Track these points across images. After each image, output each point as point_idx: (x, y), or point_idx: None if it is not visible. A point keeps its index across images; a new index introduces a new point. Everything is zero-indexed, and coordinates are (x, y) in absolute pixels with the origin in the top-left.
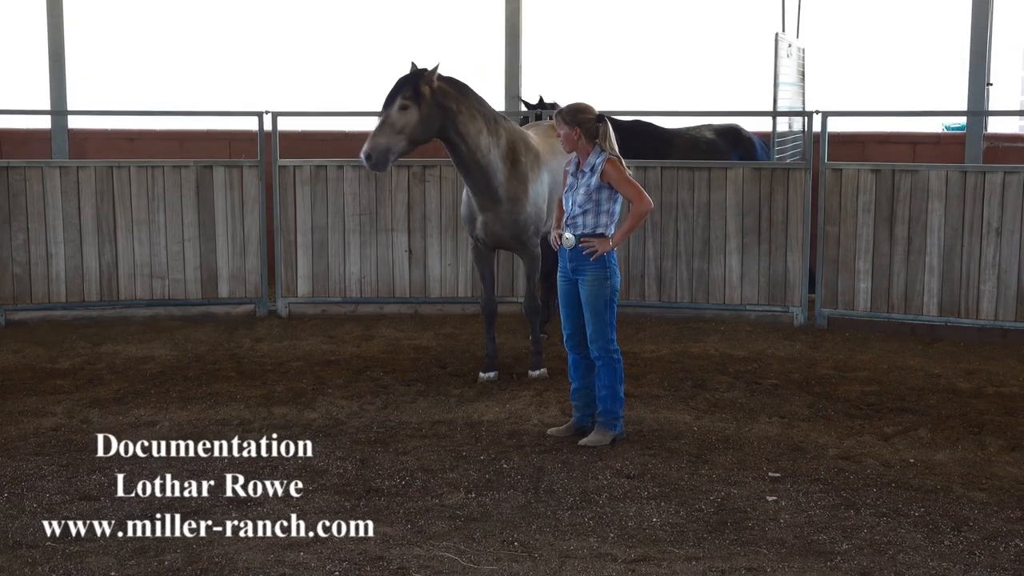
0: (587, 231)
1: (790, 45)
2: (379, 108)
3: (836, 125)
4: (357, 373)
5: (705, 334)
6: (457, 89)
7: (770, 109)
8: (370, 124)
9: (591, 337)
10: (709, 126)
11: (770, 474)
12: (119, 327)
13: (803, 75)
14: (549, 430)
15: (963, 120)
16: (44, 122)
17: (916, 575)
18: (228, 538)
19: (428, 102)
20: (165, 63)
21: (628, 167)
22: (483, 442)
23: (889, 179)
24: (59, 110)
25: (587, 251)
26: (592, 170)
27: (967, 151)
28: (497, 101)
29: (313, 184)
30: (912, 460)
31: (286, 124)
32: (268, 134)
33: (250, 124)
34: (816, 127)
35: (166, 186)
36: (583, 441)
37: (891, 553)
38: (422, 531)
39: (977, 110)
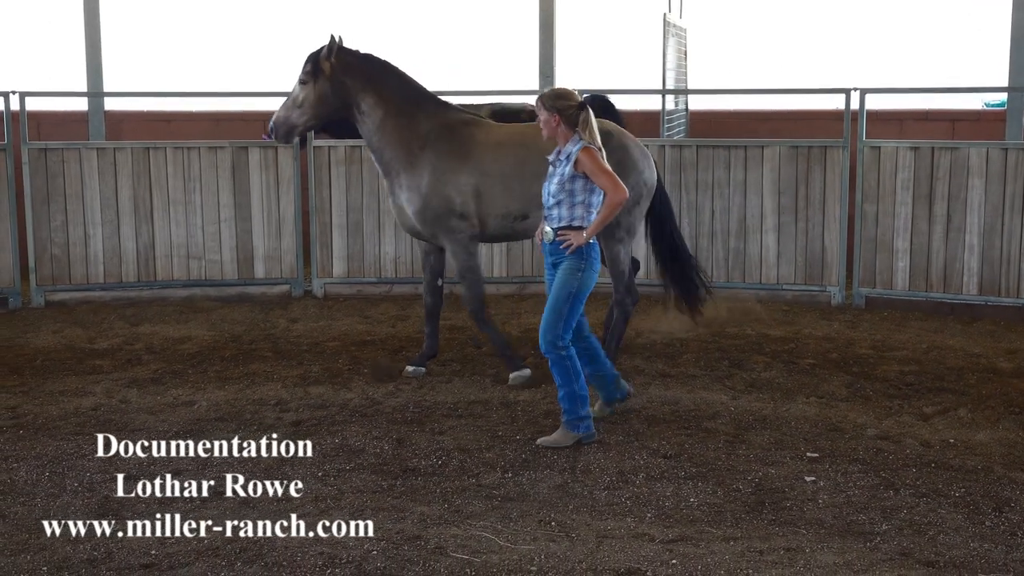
0: (563, 223)
1: (674, 25)
2: None
3: (874, 102)
4: (393, 353)
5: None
6: (367, 66)
7: (659, 87)
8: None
9: (541, 328)
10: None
11: (808, 454)
12: (156, 308)
13: (685, 55)
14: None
15: (1004, 96)
16: (81, 104)
17: (957, 556)
18: (266, 517)
19: (327, 77)
20: (200, 44)
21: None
22: (519, 422)
23: (928, 157)
24: (96, 92)
25: (563, 245)
26: (567, 159)
27: (1008, 128)
28: (531, 82)
29: (348, 164)
30: (952, 440)
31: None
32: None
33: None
34: (854, 104)
35: (202, 167)
36: (541, 440)
37: (931, 534)
38: (459, 511)
39: (1018, 86)
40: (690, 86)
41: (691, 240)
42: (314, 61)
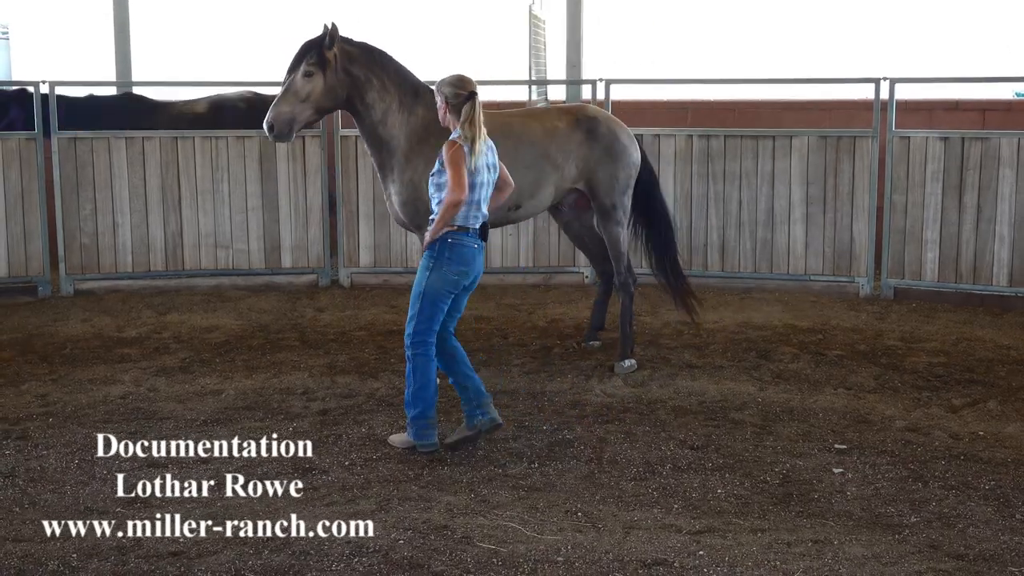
0: (433, 216)
1: (535, 16)
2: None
3: (904, 92)
4: None
5: (768, 304)
6: (369, 56)
7: (526, 78)
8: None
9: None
10: (243, 94)
11: (836, 446)
12: (184, 296)
13: (544, 45)
14: (446, 440)
15: None
16: (110, 94)
17: (986, 549)
18: (293, 506)
19: (334, 68)
20: (228, 33)
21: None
22: (546, 412)
23: (958, 147)
24: (124, 81)
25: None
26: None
27: None
28: (559, 70)
29: None
30: (982, 432)
31: (620, 92)
32: (601, 102)
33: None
34: (884, 94)
35: (230, 157)
36: (391, 438)
37: (960, 527)
38: (486, 500)
39: None
40: (711, 75)
41: (719, 231)
42: (319, 52)
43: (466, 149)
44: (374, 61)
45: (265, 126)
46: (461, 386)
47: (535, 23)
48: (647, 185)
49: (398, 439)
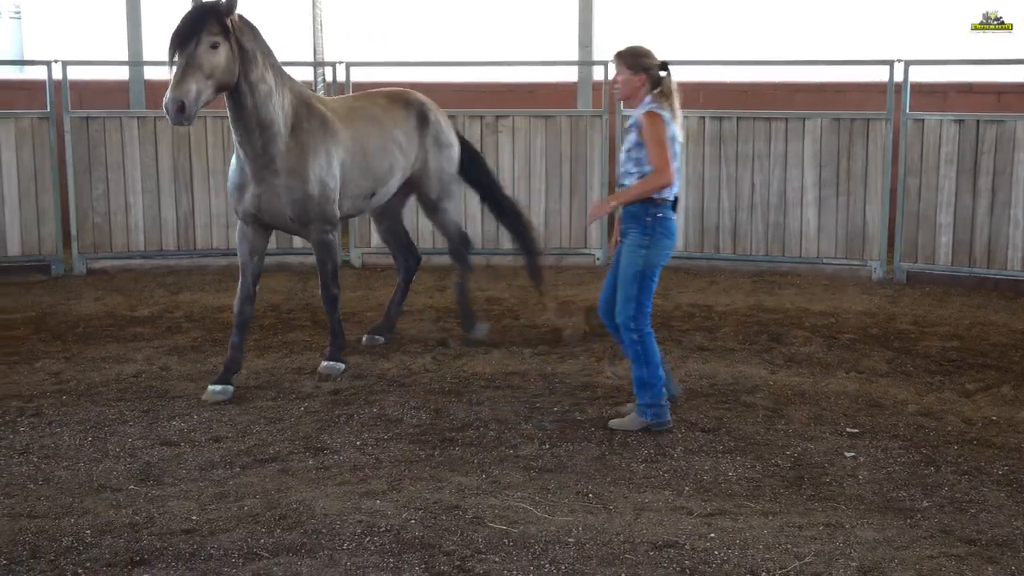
0: (624, 183)
1: None
2: (169, 45)
3: (918, 74)
4: (431, 323)
5: (780, 288)
6: (251, 28)
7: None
8: (441, 74)
9: (617, 307)
10: None
11: (848, 430)
12: (196, 276)
13: (321, 24)
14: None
15: None
16: (122, 73)
17: (999, 534)
18: (306, 485)
19: (234, 39)
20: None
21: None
22: (557, 393)
23: (973, 130)
24: (136, 60)
25: (588, 217)
26: (633, 124)
27: None
28: (570, 51)
29: None
30: (995, 417)
31: (360, 75)
32: (342, 85)
33: (326, 75)
34: (898, 76)
35: None
36: (612, 422)
37: (973, 512)
38: (497, 481)
39: None
40: (723, 57)
41: (731, 213)
42: (219, 19)
43: (667, 117)
44: (256, 34)
45: (172, 107)
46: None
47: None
48: (475, 167)
49: (624, 423)
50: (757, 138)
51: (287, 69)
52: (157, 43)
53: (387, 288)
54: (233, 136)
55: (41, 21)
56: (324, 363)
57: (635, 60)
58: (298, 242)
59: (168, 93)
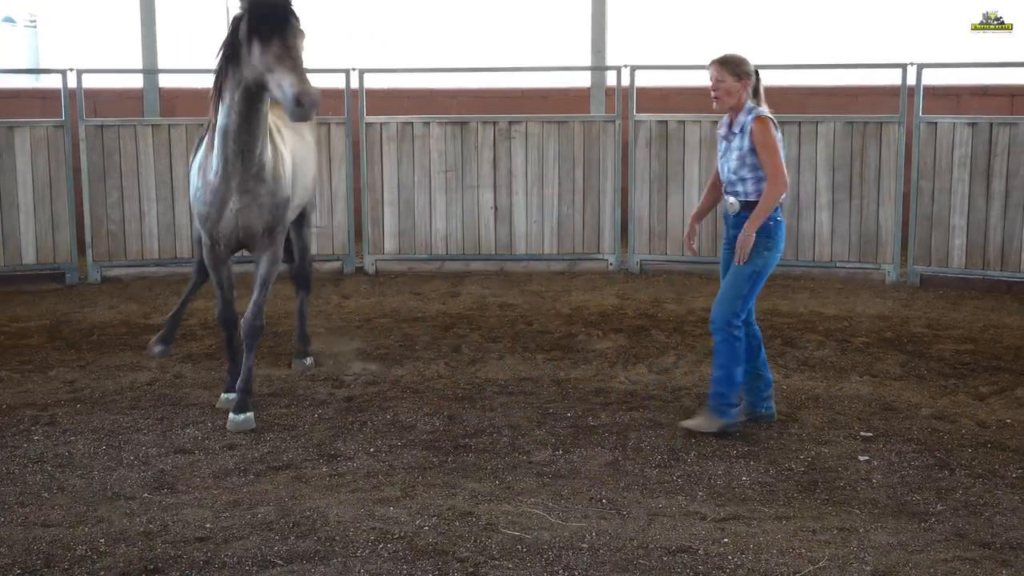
0: (752, 197)
1: None
2: (277, 35)
3: (931, 77)
4: (444, 330)
5: (794, 291)
6: None
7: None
8: (454, 80)
9: (717, 301)
10: None
11: (862, 433)
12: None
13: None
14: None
15: None
16: (136, 81)
17: (1013, 537)
18: (319, 492)
19: None
20: None
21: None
22: (570, 399)
23: (986, 132)
24: (150, 69)
25: (737, 259)
26: (742, 131)
27: None
28: (584, 57)
29: (399, 141)
30: (1009, 420)
31: (372, 81)
32: (355, 91)
33: (337, 81)
34: (911, 79)
35: None
36: (686, 423)
37: (987, 515)
38: (510, 487)
39: None
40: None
41: None
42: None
43: (775, 121)
44: None
45: (317, 104)
46: (757, 374)
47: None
48: None
49: (694, 423)
50: None
51: None
52: (171, 51)
53: (400, 295)
54: (226, 148)
55: (56, 30)
56: (234, 416)
57: (739, 68)
58: (311, 249)
59: (307, 86)
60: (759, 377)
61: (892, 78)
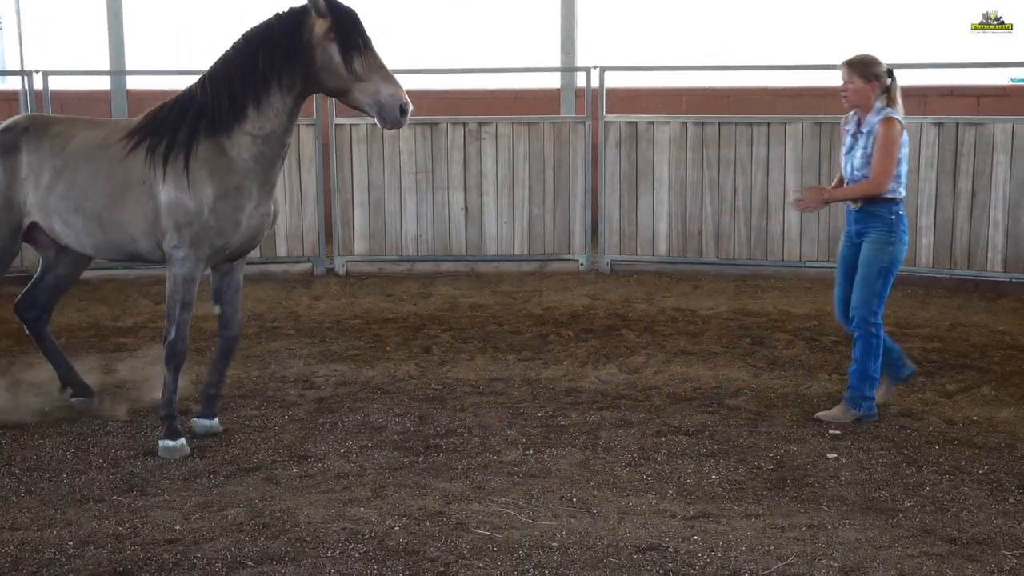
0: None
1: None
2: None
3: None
4: (415, 331)
5: (763, 291)
6: None
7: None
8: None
9: (853, 303)
10: None
11: (830, 431)
12: None
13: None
14: (816, 414)
15: None
16: (104, 83)
17: (979, 533)
18: (290, 493)
19: None
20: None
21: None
22: (541, 399)
23: (952, 133)
24: (118, 71)
25: (799, 204)
26: (870, 131)
27: None
28: (553, 58)
29: (369, 142)
30: (975, 417)
31: None
32: None
33: None
34: None
35: None
36: (821, 414)
37: (954, 511)
38: (481, 487)
39: None
40: (706, 62)
41: (713, 218)
42: None
43: (902, 123)
44: None
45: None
46: (886, 347)
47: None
48: None
49: (830, 415)
50: (739, 142)
51: None
52: (139, 53)
53: (371, 296)
54: (266, 153)
55: (19, 31)
56: (162, 443)
57: (868, 69)
58: (281, 250)
59: (404, 95)
60: (889, 350)
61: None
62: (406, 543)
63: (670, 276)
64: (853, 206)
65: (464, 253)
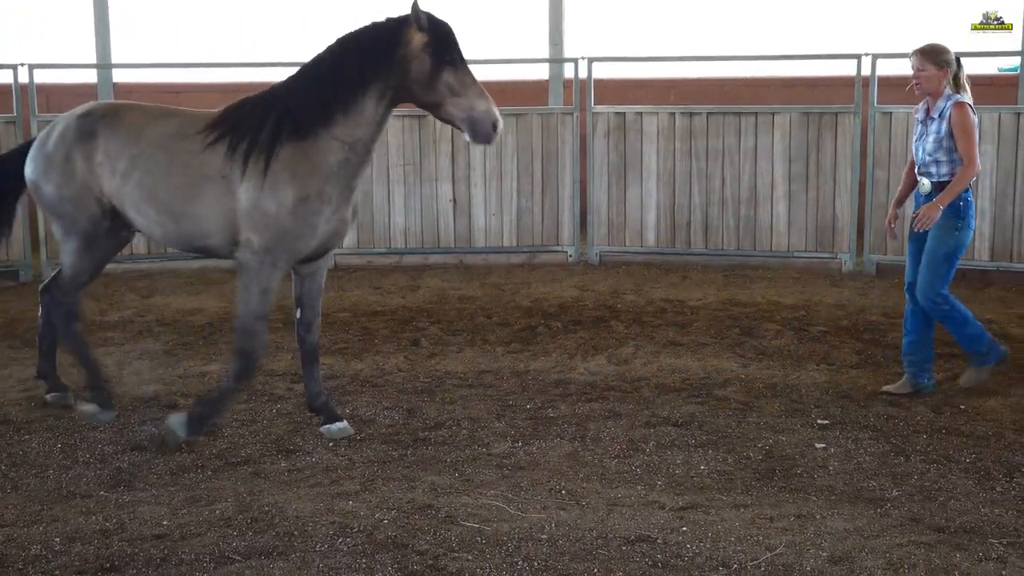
0: (944, 179)
1: None
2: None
3: (885, 68)
4: (403, 323)
5: (752, 281)
6: None
7: None
8: None
9: (920, 286)
10: None
11: (818, 421)
12: (167, 280)
13: None
14: (883, 388)
15: (1017, 61)
16: (90, 76)
17: (967, 522)
18: (278, 487)
19: None
20: (210, 13)
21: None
22: (529, 391)
23: None
24: (104, 64)
25: (917, 225)
26: (941, 116)
27: (1020, 92)
28: (541, 49)
29: None
30: (963, 407)
31: None
32: None
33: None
34: (866, 70)
35: None
36: (962, 381)
37: (942, 500)
38: (469, 480)
39: None
40: (694, 53)
41: (702, 208)
42: None
43: (974, 108)
44: None
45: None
46: (923, 344)
47: None
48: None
49: (970, 379)
50: (727, 133)
51: (251, 70)
52: (125, 45)
53: (360, 289)
54: (354, 159)
55: (7, 23)
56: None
57: (940, 57)
58: None
59: (496, 111)
60: (924, 348)
61: (847, 69)
62: (395, 536)
63: (659, 267)
64: (923, 190)
65: (452, 245)
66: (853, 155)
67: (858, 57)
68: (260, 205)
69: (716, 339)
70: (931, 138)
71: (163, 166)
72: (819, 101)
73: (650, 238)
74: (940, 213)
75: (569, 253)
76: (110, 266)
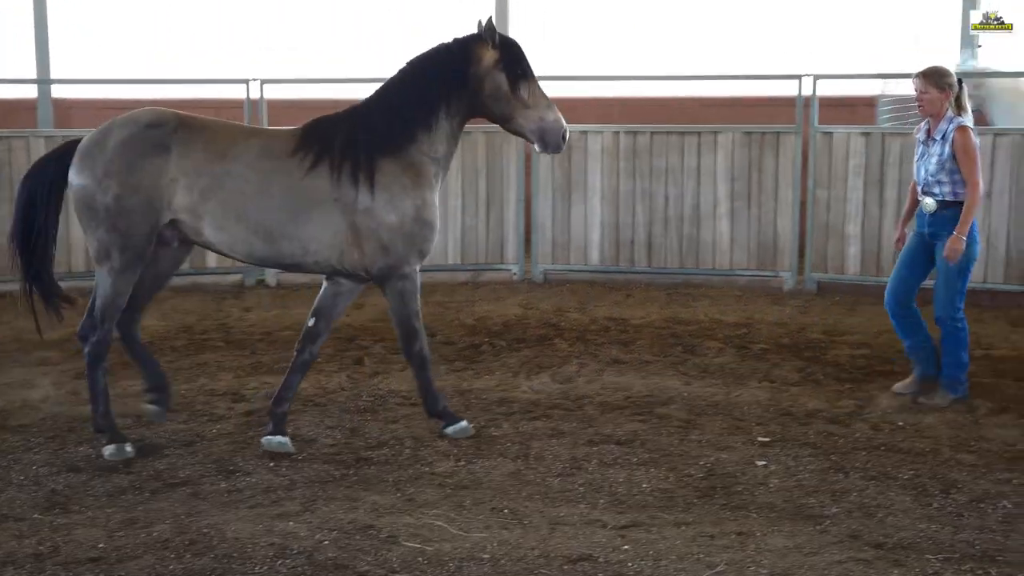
0: (948, 198)
1: None
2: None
3: (826, 88)
4: (346, 342)
5: (694, 299)
6: None
7: None
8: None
9: (938, 301)
10: None
11: (759, 439)
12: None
13: None
14: (895, 386)
15: None
16: (30, 91)
17: (905, 538)
18: (217, 508)
19: None
20: (154, 31)
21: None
22: (473, 410)
23: (879, 142)
24: (44, 79)
25: (949, 260)
26: (943, 138)
27: None
28: None
29: None
30: (901, 423)
31: (275, 92)
32: (255, 102)
33: (239, 92)
34: (807, 90)
35: None
36: (922, 399)
37: (880, 516)
38: (412, 499)
39: (968, 71)
40: (638, 72)
41: (645, 227)
42: None
43: (976, 130)
44: None
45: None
46: (922, 346)
47: None
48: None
49: (935, 401)
50: (670, 152)
51: (194, 87)
52: (66, 61)
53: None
54: (437, 174)
55: None
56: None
57: (943, 80)
58: (211, 260)
59: (564, 122)
60: (926, 348)
61: (788, 89)
62: (335, 557)
63: (603, 285)
64: (927, 209)
65: None
66: (794, 174)
67: (799, 78)
68: (384, 220)
69: (659, 357)
70: (934, 159)
71: (256, 186)
72: (761, 121)
73: (594, 256)
74: (964, 244)
75: (514, 271)
76: (89, 282)
